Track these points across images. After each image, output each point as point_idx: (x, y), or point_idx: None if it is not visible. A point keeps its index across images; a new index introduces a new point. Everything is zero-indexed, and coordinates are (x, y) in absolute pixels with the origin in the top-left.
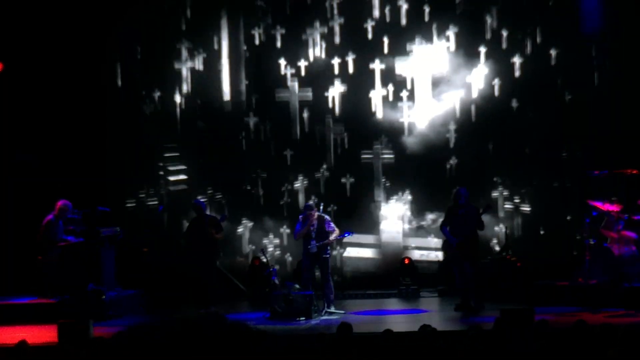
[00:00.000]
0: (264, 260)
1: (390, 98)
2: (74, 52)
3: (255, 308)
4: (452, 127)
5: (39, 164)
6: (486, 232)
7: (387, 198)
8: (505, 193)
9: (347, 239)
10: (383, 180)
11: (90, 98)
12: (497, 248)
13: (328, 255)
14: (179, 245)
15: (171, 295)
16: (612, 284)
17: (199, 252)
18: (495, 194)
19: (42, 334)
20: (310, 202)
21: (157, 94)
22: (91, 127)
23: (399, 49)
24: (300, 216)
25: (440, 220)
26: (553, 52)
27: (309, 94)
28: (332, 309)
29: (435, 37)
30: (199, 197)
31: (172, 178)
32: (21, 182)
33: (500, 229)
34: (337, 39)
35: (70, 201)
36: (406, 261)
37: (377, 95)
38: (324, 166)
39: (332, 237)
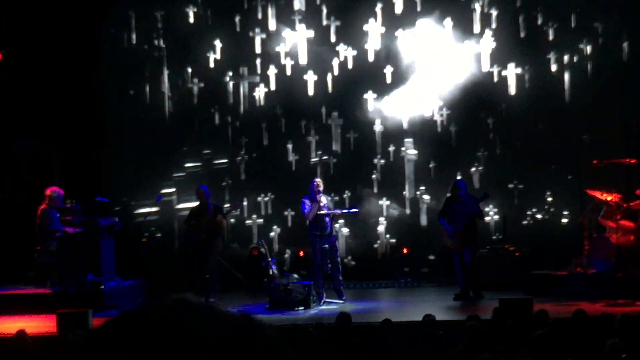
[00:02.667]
0: (263, 250)
1: None
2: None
3: (253, 298)
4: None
5: (36, 148)
6: (484, 221)
7: None
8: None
9: None
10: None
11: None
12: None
13: (335, 238)
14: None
15: (171, 284)
16: (611, 273)
17: (200, 241)
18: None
19: (41, 324)
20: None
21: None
22: (91, 111)
23: None
24: (305, 198)
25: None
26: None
27: None
28: (333, 299)
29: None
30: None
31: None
32: (18, 169)
33: (496, 218)
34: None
35: (65, 189)
36: (405, 251)
37: None
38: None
39: (339, 210)
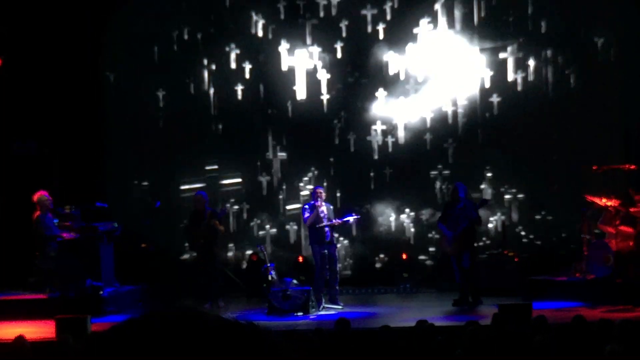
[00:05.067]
0: (262, 256)
1: None
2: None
3: (252, 304)
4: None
5: (39, 152)
6: (483, 227)
7: None
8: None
9: None
10: None
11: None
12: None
13: (335, 247)
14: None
15: (171, 289)
16: (610, 279)
17: (200, 246)
18: (483, 186)
19: (40, 330)
20: (319, 187)
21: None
22: (90, 116)
23: None
24: (307, 205)
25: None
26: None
27: None
28: (331, 305)
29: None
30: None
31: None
32: (19, 174)
33: (497, 222)
34: None
35: (65, 195)
36: (404, 257)
37: None
38: None
39: (338, 220)
